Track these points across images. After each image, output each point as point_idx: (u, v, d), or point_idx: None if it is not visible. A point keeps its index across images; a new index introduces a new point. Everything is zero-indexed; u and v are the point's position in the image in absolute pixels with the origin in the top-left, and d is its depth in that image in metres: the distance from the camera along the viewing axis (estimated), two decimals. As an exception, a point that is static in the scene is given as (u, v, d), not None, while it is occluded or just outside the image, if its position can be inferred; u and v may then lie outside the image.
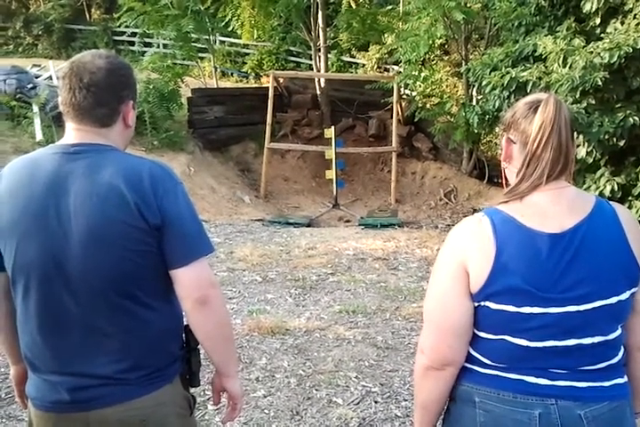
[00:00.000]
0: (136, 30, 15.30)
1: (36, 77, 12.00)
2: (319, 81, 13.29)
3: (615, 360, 1.49)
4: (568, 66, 5.79)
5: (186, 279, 1.57)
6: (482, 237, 1.45)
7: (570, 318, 1.42)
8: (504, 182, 1.62)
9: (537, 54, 6.49)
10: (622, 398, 1.49)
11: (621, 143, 5.79)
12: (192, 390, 1.78)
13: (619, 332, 1.48)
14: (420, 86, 11.27)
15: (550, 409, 1.43)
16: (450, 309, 1.48)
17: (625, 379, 1.51)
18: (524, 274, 1.41)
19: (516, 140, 1.52)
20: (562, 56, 5.92)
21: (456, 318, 1.47)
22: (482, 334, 1.49)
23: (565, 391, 1.44)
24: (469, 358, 1.52)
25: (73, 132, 1.61)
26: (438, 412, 1.60)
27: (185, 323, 1.70)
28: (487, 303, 1.44)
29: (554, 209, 1.45)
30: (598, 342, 1.44)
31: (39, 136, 9.35)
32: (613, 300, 1.43)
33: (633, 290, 1.46)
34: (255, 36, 14.23)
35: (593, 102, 5.86)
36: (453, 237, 1.52)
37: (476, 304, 1.46)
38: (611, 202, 1.53)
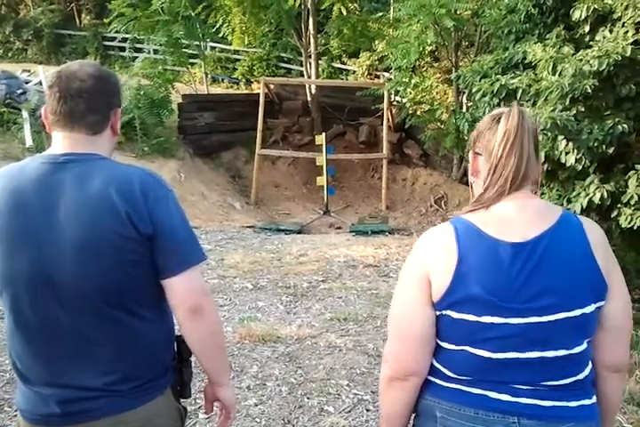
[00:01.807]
0: (127, 36, 15.29)
1: (26, 83, 11.94)
2: (310, 87, 13.31)
3: (581, 376, 1.45)
4: (558, 73, 5.82)
5: (178, 288, 1.56)
6: (445, 245, 1.45)
7: (531, 329, 1.40)
8: (471, 196, 1.61)
9: (527, 62, 6.52)
10: (589, 419, 1.45)
11: (610, 151, 5.80)
12: (183, 400, 1.77)
13: (584, 346, 1.44)
14: (410, 93, 11.30)
15: None
16: (412, 318, 1.47)
17: (592, 400, 1.48)
18: (484, 283, 1.40)
19: (482, 151, 1.54)
20: (551, 63, 5.95)
21: (418, 327, 1.46)
22: (444, 345, 1.48)
23: (529, 409, 1.41)
24: (432, 371, 1.51)
25: (62, 141, 1.59)
26: (403, 426, 1.58)
27: (177, 333, 1.69)
28: (449, 312, 1.43)
29: (518, 218, 1.45)
30: (562, 355, 1.42)
31: (29, 142, 9.30)
32: (577, 312, 1.41)
33: (599, 304, 1.44)
34: (246, 43, 14.24)
35: (582, 110, 5.88)
36: (418, 246, 1.52)
37: (438, 313, 1.45)
38: (579, 216, 1.52)
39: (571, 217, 1.49)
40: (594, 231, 1.48)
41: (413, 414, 1.59)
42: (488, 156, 1.51)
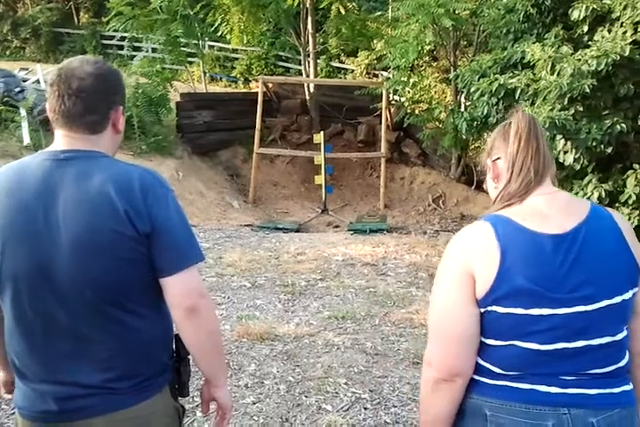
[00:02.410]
0: (125, 34, 15.24)
1: (24, 81, 11.92)
2: (308, 86, 13.31)
3: (622, 364, 1.49)
4: (556, 73, 5.83)
5: (175, 288, 1.56)
6: (485, 241, 1.46)
7: (578, 318, 1.42)
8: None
9: (525, 61, 6.54)
10: (631, 405, 1.49)
11: (609, 150, 5.83)
12: (181, 399, 1.77)
13: (625, 333, 1.49)
14: (408, 92, 11.31)
15: (563, 419, 1.41)
16: (457, 316, 1.47)
17: (631, 386, 1.52)
18: (530, 275, 1.42)
19: (500, 154, 1.59)
20: (550, 63, 5.96)
21: (464, 325, 1.46)
22: (490, 342, 1.48)
23: (577, 399, 1.43)
24: (478, 369, 1.50)
25: (62, 139, 1.60)
26: None
27: (175, 332, 1.69)
28: (494, 308, 1.44)
29: (551, 211, 1.49)
30: (607, 342, 1.45)
31: (27, 140, 9.29)
32: (618, 299, 1.45)
33: (635, 290, 1.48)
34: (244, 41, 14.21)
35: (581, 109, 5.90)
36: (456, 245, 1.53)
37: (483, 310, 1.46)
38: (606, 208, 1.57)
39: (600, 209, 1.54)
40: (623, 222, 1.53)
41: None
42: (505, 155, 1.57)
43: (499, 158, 1.60)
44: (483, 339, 1.48)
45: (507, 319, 1.44)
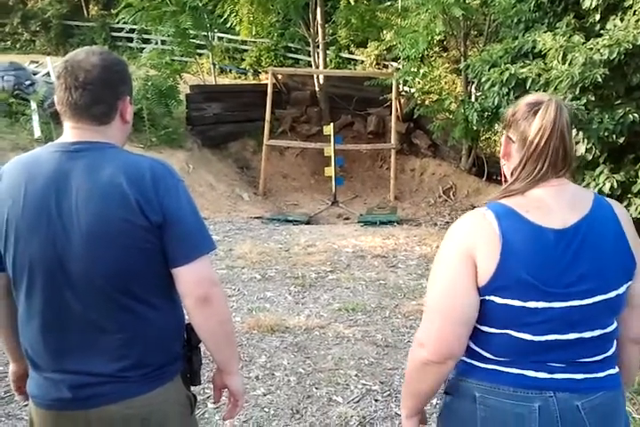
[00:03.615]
0: (134, 26, 15.24)
1: (34, 74, 11.95)
2: (318, 78, 13.26)
3: (610, 353, 1.52)
4: (568, 62, 5.77)
5: (187, 277, 1.57)
6: (487, 230, 1.45)
7: (572, 312, 1.43)
8: (503, 179, 1.64)
9: (536, 51, 6.47)
10: (615, 388, 1.52)
11: (621, 140, 5.77)
12: (192, 388, 1.77)
13: (615, 325, 1.51)
14: (418, 83, 11.23)
15: (549, 401, 1.45)
16: (458, 298, 1.46)
17: (616, 369, 1.54)
18: (530, 268, 1.42)
19: (515, 139, 1.55)
20: (561, 53, 5.90)
21: (464, 308, 1.46)
22: (484, 328, 1.49)
23: (563, 384, 1.46)
24: (470, 353, 1.52)
25: (71, 131, 1.61)
26: (429, 399, 1.63)
27: (186, 321, 1.70)
28: (492, 298, 1.44)
29: (556, 205, 1.47)
30: (598, 335, 1.47)
31: (37, 133, 9.32)
32: (613, 294, 1.46)
33: (629, 283, 1.49)
34: (253, 33, 14.18)
35: (593, 99, 5.84)
36: (457, 230, 1.51)
37: (481, 298, 1.46)
38: (607, 199, 1.56)
39: (602, 201, 1.53)
40: (622, 214, 1.53)
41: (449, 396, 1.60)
42: (521, 146, 1.52)
43: (514, 142, 1.55)
44: (477, 325, 1.49)
45: (503, 310, 1.44)
